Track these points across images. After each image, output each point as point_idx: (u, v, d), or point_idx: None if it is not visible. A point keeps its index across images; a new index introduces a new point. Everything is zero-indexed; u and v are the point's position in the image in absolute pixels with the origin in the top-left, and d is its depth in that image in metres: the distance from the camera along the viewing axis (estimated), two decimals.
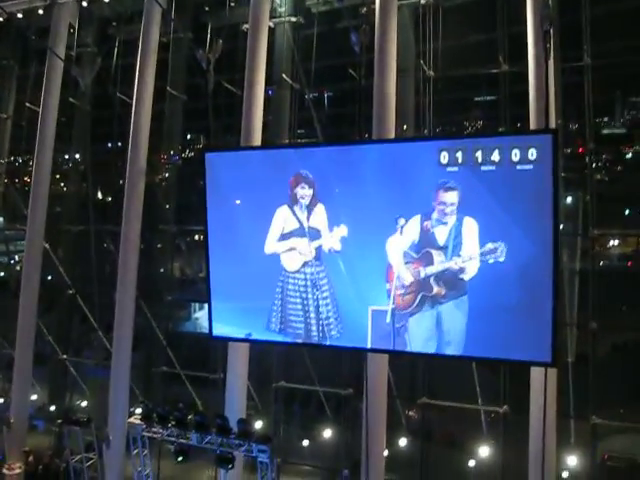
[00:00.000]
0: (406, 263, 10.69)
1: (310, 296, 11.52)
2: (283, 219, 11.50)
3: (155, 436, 13.04)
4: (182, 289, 20.30)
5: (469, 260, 10.19)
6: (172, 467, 14.82)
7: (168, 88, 18.38)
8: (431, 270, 10.53)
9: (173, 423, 12.72)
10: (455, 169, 10.18)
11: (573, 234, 15.35)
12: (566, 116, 15.51)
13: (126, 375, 16.86)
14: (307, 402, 17.87)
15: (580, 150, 15.49)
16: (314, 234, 11.35)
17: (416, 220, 10.46)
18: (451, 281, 10.44)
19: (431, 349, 10.77)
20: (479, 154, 10.01)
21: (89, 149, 20.13)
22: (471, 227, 10.16)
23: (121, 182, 17.61)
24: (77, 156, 20.96)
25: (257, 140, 15.34)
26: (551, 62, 12.26)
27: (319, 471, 17.55)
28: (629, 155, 17.62)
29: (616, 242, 17.47)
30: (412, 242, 10.59)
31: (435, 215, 10.35)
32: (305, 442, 17.89)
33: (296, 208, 11.37)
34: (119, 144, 19.03)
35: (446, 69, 15.85)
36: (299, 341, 11.93)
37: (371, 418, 13.75)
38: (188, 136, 21.00)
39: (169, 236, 19.17)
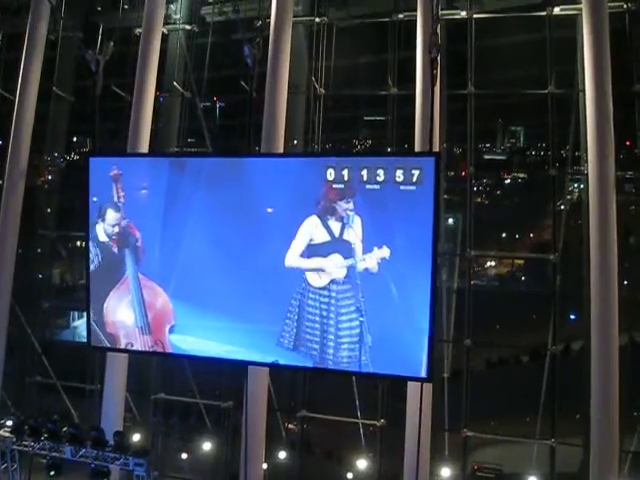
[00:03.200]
0: None
1: (332, 316, 10.58)
2: (310, 231, 10.49)
3: (26, 449, 12.45)
4: (61, 296, 19.55)
5: None
6: None
7: (54, 88, 17.73)
8: None
9: (46, 436, 12.20)
10: (341, 186, 10.31)
11: (452, 254, 15.95)
12: (451, 141, 16.16)
13: None
14: (187, 414, 17.56)
15: (463, 174, 16.09)
16: (347, 250, 10.35)
17: None
18: None
19: None
20: (364, 172, 10.19)
21: None
22: None
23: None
24: None
25: (144, 146, 15.08)
26: (437, 88, 12.70)
27: None
28: (508, 181, 18.43)
29: (493, 263, 18.22)
30: None
31: None
32: (184, 455, 17.55)
33: (330, 220, 10.41)
34: None
35: (337, 88, 16.21)
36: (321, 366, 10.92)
37: (250, 431, 13.67)
38: (74, 139, 20.29)
39: (49, 241, 18.43)
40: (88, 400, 17.00)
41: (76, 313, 20.00)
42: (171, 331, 11.65)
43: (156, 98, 15.65)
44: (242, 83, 15.95)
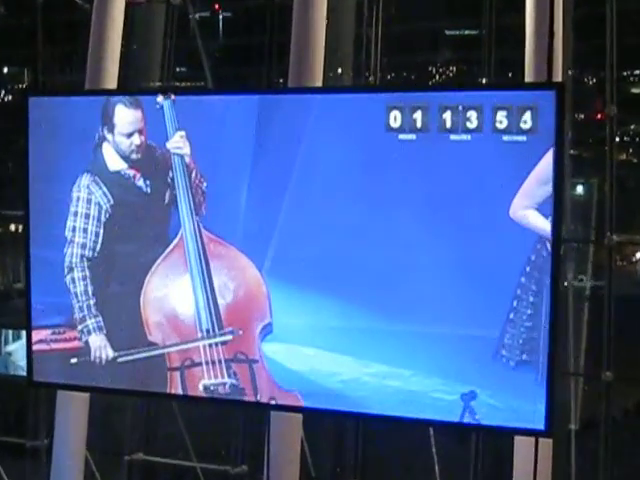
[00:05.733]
0: None
1: None
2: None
3: None
4: None
5: None
6: None
7: None
8: None
9: None
10: (411, 137, 10.24)
11: (582, 241, 15.81)
12: (580, 66, 15.99)
13: None
14: None
15: (599, 116, 15.94)
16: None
17: None
18: None
19: None
20: (447, 116, 10.12)
21: None
22: None
23: None
24: None
25: (112, 80, 15.12)
26: None
27: None
28: None
29: None
30: None
31: None
32: None
33: None
34: None
35: None
36: None
37: None
38: (4, 69, 20.59)
39: None
40: (30, 461, 17.28)
41: (10, 332, 20.38)
42: (265, 334, 10.36)
43: (127, 6, 15.69)
44: None
